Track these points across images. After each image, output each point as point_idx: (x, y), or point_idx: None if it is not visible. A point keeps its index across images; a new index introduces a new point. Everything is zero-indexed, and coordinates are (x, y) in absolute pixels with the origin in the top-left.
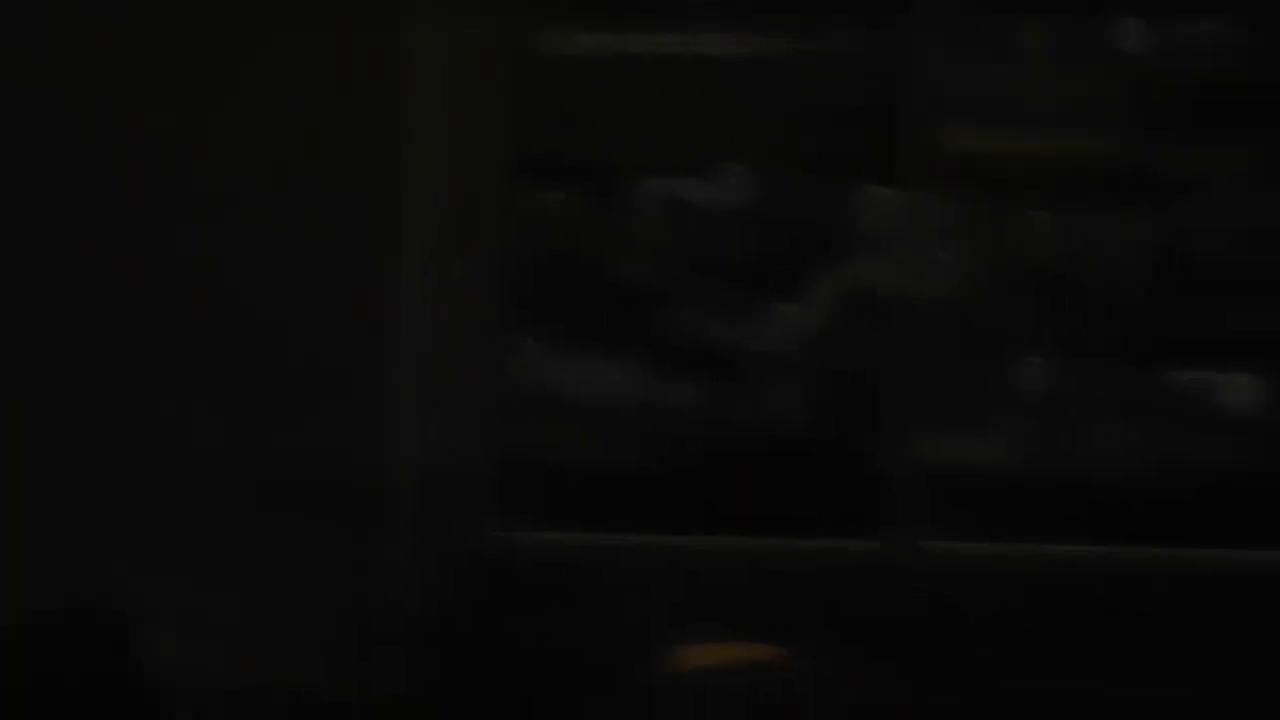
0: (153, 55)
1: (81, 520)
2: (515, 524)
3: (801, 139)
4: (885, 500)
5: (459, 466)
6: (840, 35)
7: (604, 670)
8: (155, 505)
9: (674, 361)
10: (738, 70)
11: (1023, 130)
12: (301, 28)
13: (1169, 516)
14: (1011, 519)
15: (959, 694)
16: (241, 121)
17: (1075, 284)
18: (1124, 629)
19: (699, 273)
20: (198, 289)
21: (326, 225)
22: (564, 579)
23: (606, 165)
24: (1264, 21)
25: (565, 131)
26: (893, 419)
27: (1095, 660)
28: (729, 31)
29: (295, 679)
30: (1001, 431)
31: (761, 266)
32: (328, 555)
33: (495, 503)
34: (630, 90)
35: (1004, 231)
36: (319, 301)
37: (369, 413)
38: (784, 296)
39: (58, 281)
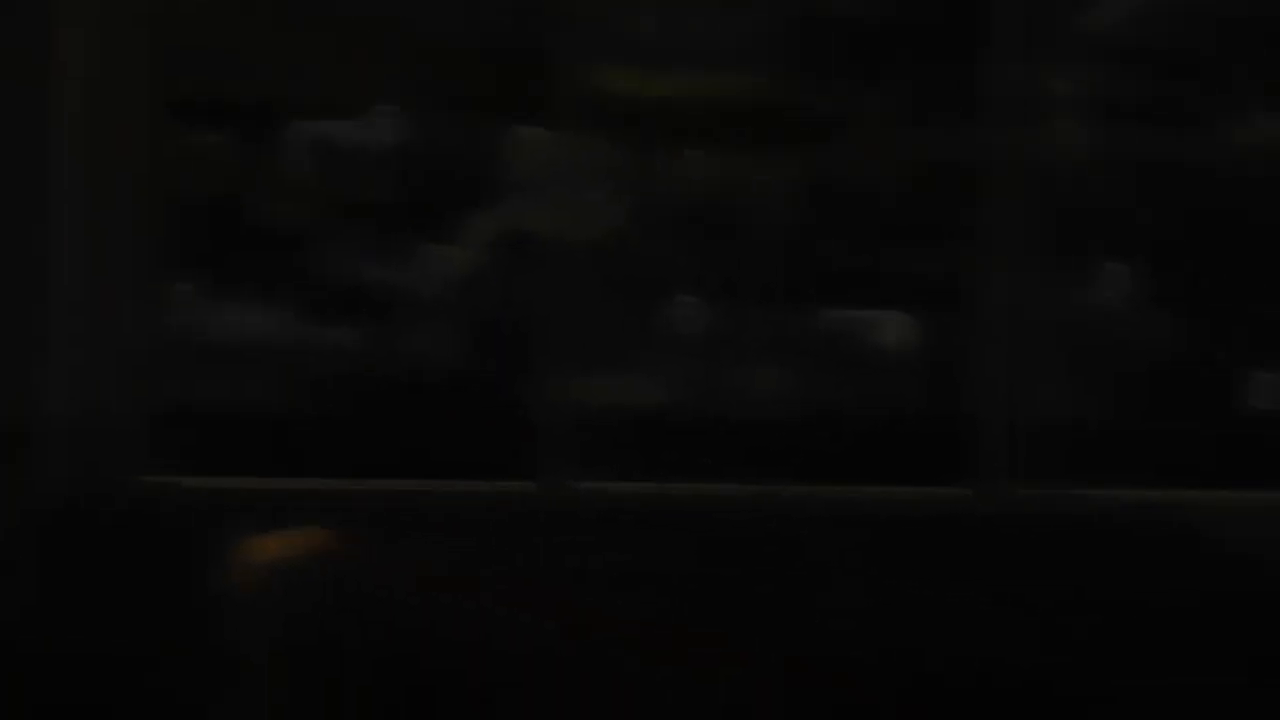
0: None
1: None
2: (164, 470)
3: (452, 79)
4: (538, 443)
5: (108, 413)
6: None
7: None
8: None
9: (326, 305)
10: (387, 9)
11: (673, 69)
12: None
13: (824, 455)
14: (666, 460)
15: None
16: None
17: (728, 224)
18: (777, 567)
19: (350, 215)
20: None
21: None
22: (206, 523)
23: (255, 107)
24: None
25: (213, 73)
26: (546, 361)
27: (749, 599)
28: None
29: None
30: (655, 373)
31: (413, 208)
32: None
33: (145, 449)
34: (277, 31)
35: (656, 171)
36: None
37: (15, 358)
38: (436, 238)
39: None
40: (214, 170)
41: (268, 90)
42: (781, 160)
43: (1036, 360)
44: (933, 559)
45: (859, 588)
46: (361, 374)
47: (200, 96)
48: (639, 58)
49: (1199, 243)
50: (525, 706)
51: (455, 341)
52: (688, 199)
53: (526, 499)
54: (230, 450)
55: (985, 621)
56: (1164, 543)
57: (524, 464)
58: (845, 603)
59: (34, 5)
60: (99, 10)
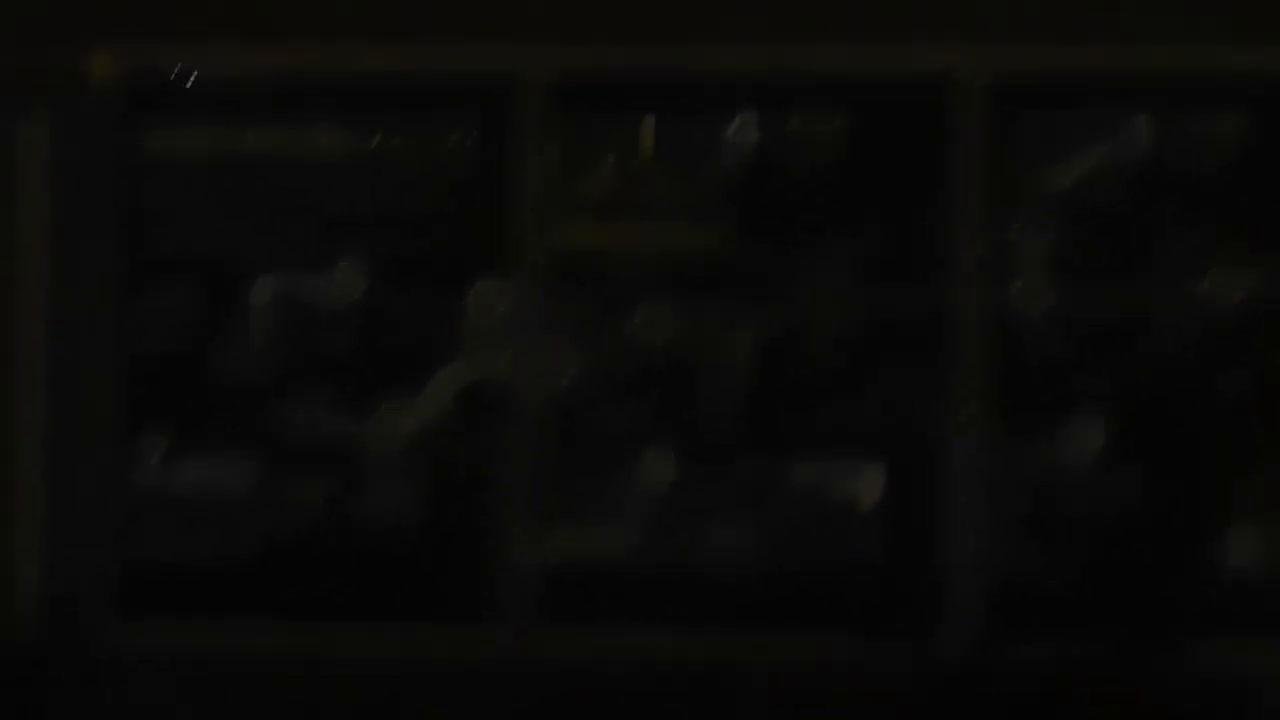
0: None
1: None
2: (135, 629)
3: (413, 235)
4: (498, 592)
5: (79, 569)
6: (452, 132)
7: None
8: None
9: (289, 457)
10: (348, 168)
11: (634, 224)
12: None
13: (786, 606)
14: (625, 610)
15: None
16: None
17: (688, 377)
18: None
19: (314, 368)
20: None
21: None
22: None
23: (219, 263)
24: (865, 116)
25: (177, 231)
26: (507, 512)
27: None
28: (339, 129)
29: None
30: (616, 524)
31: (376, 362)
32: None
33: (115, 602)
34: (241, 188)
35: (617, 325)
36: None
37: None
38: (399, 391)
39: None
40: (178, 327)
41: (230, 247)
42: (741, 314)
43: (1004, 515)
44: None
45: None
46: (324, 524)
47: (163, 255)
48: (597, 212)
49: (1164, 396)
50: None
51: (420, 494)
52: (648, 352)
53: (497, 646)
54: (194, 599)
55: None
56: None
57: (488, 611)
58: None
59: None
60: (61, 175)
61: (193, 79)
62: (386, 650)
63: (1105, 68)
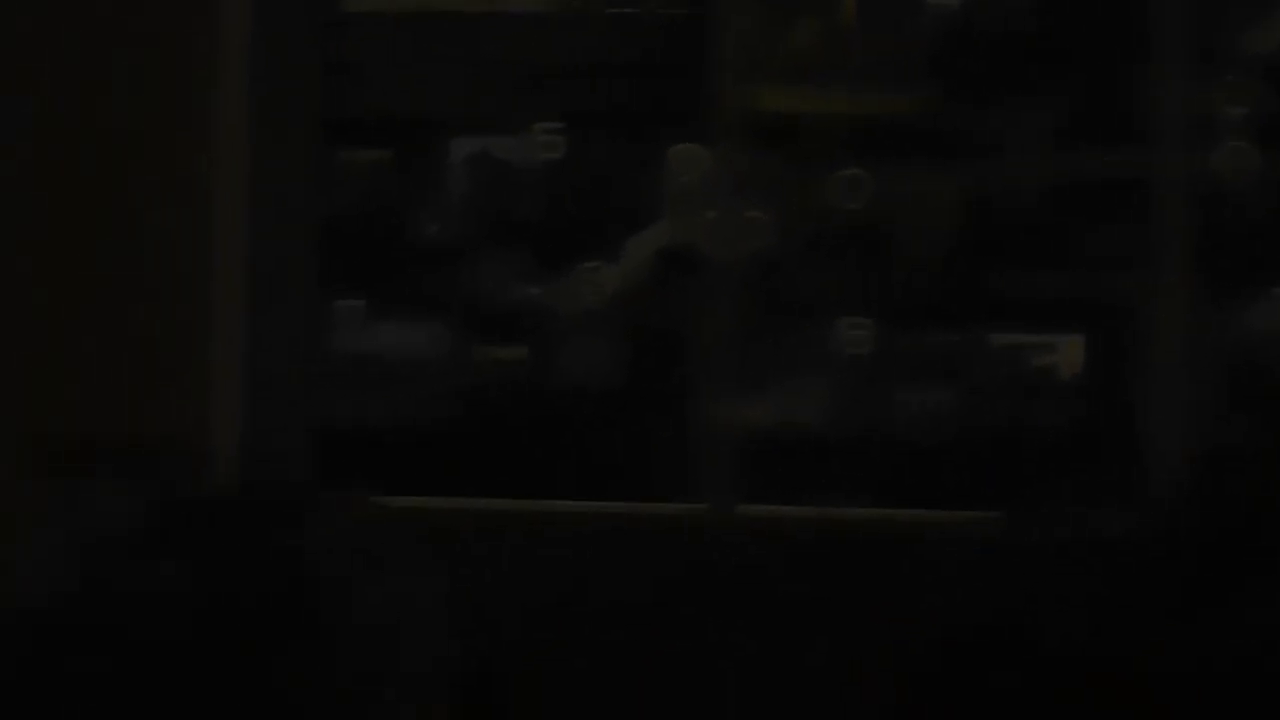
0: None
1: None
2: (329, 487)
3: (610, 97)
4: (697, 463)
5: (274, 432)
6: None
7: None
8: None
9: (484, 322)
10: (544, 27)
11: (833, 87)
12: None
13: (984, 479)
14: (825, 482)
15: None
16: (43, 78)
17: (887, 243)
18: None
19: (509, 232)
20: None
21: (135, 185)
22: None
23: (414, 125)
24: None
25: (371, 91)
26: (705, 380)
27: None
28: None
29: None
30: (814, 392)
31: (572, 225)
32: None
33: (307, 467)
34: (436, 49)
35: (814, 190)
36: (129, 261)
37: (180, 374)
38: (595, 256)
39: None
40: (372, 189)
41: (425, 108)
42: (940, 178)
43: (1208, 384)
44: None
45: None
46: (520, 391)
47: (357, 116)
48: (796, 75)
49: None
50: None
51: (616, 359)
52: (847, 217)
53: (695, 521)
54: (389, 467)
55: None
56: None
57: (683, 484)
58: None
59: (192, 28)
60: (257, 33)
61: None
62: (576, 519)
63: None
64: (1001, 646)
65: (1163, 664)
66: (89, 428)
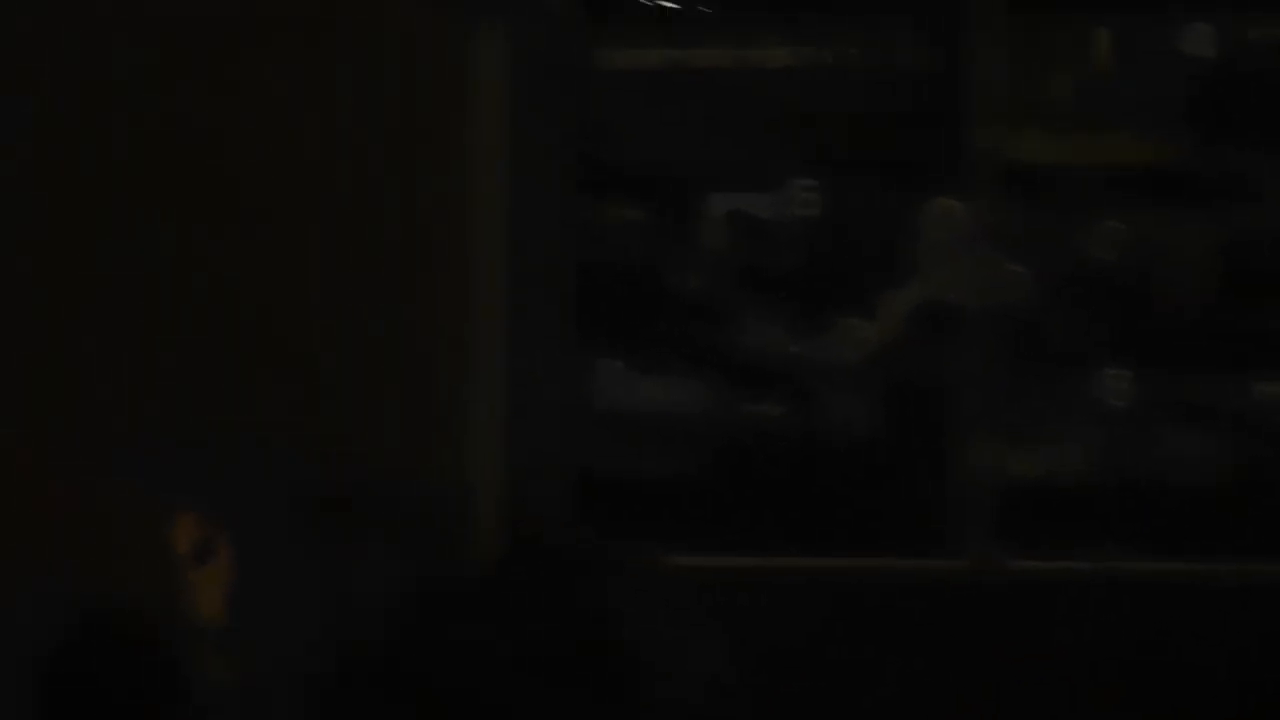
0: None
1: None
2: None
3: (865, 151)
4: (957, 517)
5: (538, 486)
6: (902, 42)
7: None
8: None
9: (742, 377)
10: (800, 82)
11: (1089, 136)
12: (367, 43)
13: (1244, 528)
14: (1089, 534)
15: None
16: (312, 135)
17: (1144, 291)
18: (1199, 644)
19: (766, 288)
20: (261, 310)
21: (396, 242)
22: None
23: (672, 180)
24: None
25: (630, 147)
26: (963, 432)
27: (1173, 675)
28: (790, 44)
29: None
30: (1073, 443)
31: (829, 281)
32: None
33: (567, 518)
34: (694, 104)
35: (1072, 240)
36: (391, 317)
37: (445, 429)
38: (852, 310)
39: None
40: (631, 243)
41: (683, 164)
42: (1199, 226)
43: None
44: None
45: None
46: (777, 446)
47: (616, 171)
48: (1052, 125)
49: None
50: None
51: (874, 414)
52: (1104, 266)
53: (954, 577)
54: (649, 522)
55: None
56: None
57: (940, 538)
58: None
59: (454, 84)
60: (517, 90)
61: None
62: (836, 575)
63: None
64: None
65: None
66: (355, 482)
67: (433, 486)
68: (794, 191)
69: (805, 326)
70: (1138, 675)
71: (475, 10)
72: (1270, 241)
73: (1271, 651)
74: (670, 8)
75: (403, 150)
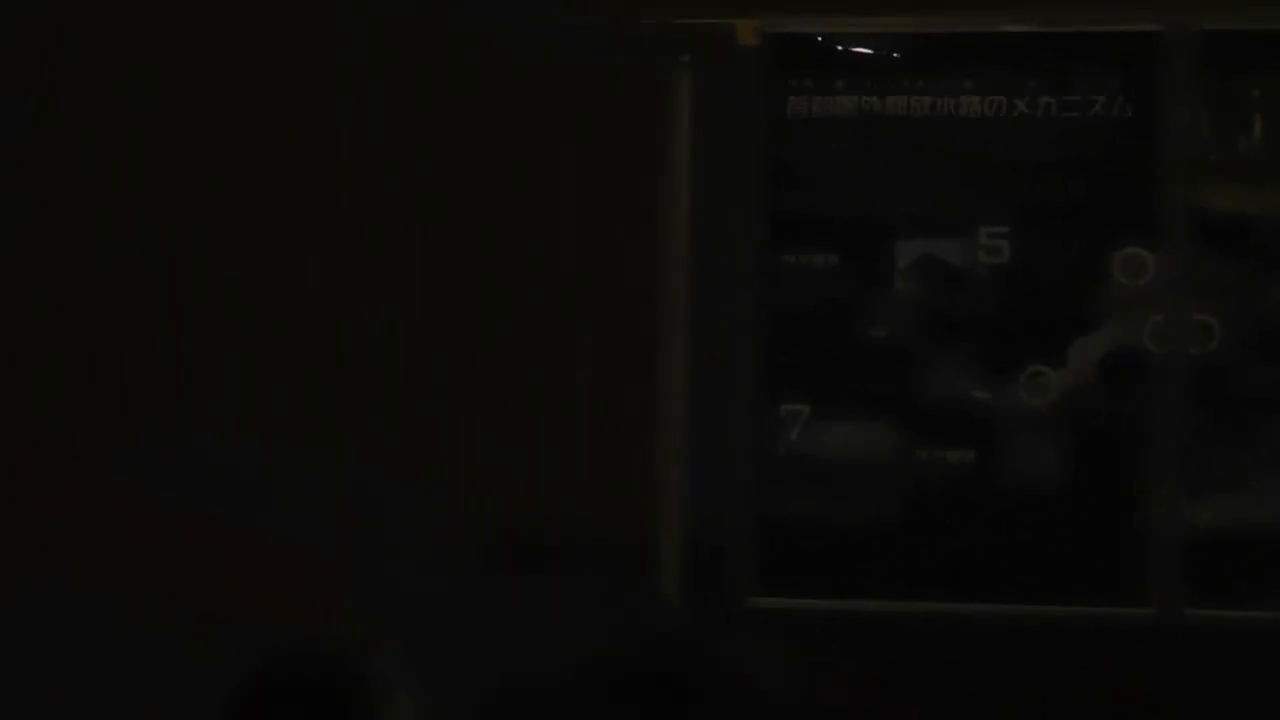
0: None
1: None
2: (775, 586)
3: (1056, 198)
4: (1146, 567)
5: (722, 528)
6: (1095, 91)
7: None
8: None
9: (930, 424)
10: (993, 129)
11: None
12: (558, 90)
13: None
14: (1272, 582)
15: None
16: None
17: None
18: None
19: (955, 334)
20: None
21: (587, 289)
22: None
23: (862, 226)
24: None
25: (821, 193)
26: (1151, 480)
27: None
28: (982, 92)
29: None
30: (1262, 491)
31: (1018, 328)
32: (585, 611)
33: (756, 564)
34: (885, 151)
35: (1263, 288)
36: (578, 361)
37: (631, 472)
38: (1041, 358)
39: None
40: (820, 290)
41: (872, 210)
42: None
43: None
44: None
45: None
46: (963, 492)
47: (805, 217)
48: (1245, 174)
49: None
50: None
51: (1062, 462)
52: None
53: (1140, 626)
54: (833, 568)
55: None
56: None
57: (1127, 586)
58: None
59: (644, 131)
60: (707, 137)
61: (836, 45)
62: (1021, 623)
63: None
64: None
65: None
66: (542, 519)
67: (618, 529)
68: (983, 239)
69: (994, 373)
70: None
71: (667, 61)
72: None
73: None
74: (863, 54)
75: (593, 200)
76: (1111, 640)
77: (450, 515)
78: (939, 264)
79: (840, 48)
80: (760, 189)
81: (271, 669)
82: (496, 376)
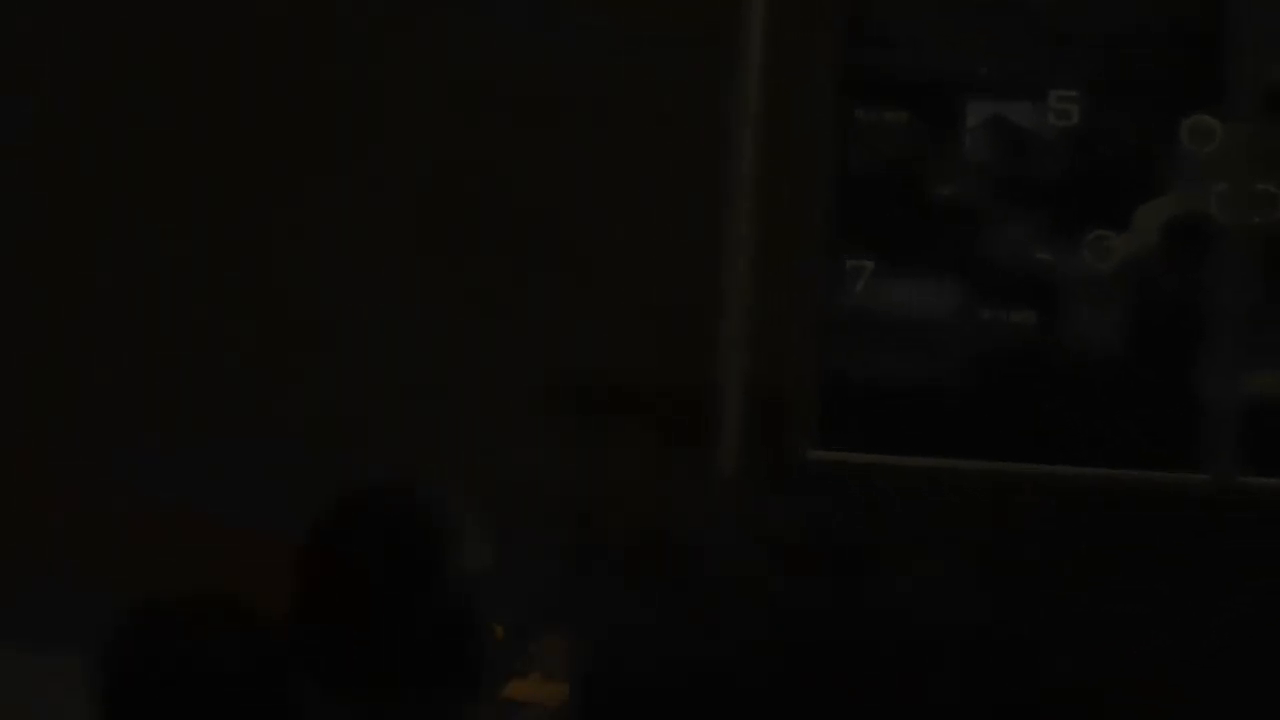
0: None
1: None
2: (833, 440)
3: (1128, 67)
4: (1203, 433)
5: (782, 384)
6: None
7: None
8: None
9: (993, 285)
10: None
11: None
12: None
13: None
14: None
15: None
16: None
17: None
18: None
19: (1022, 197)
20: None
21: (652, 147)
22: (879, 501)
23: (932, 86)
24: None
25: (891, 53)
26: (1214, 350)
27: None
28: None
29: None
30: None
31: (1084, 192)
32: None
33: (815, 421)
34: (957, 12)
35: None
36: (644, 220)
37: (696, 326)
38: (1106, 223)
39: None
40: (889, 148)
41: (945, 70)
42: None
43: None
44: None
45: None
46: (1024, 353)
47: (877, 75)
48: None
49: None
50: None
51: (1123, 327)
52: None
53: (1195, 492)
54: (894, 427)
55: None
56: None
57: (1184, 453)
58: None
59: None
60: None
61: None
62: (1076, 485)
63: None
64: None
65: None
66: (605, 369)
67: (680, 380)
68: (1054, 102)
69: (1058, 235)
70: None
71: None
72: None
73: None
74: None
75: (667, 53)
76: (1166, 504)
77: (514, 363)
78: (1008, 125)
79: None
80: (835, 44)
81: (348, 500)
82: (559, 227)
